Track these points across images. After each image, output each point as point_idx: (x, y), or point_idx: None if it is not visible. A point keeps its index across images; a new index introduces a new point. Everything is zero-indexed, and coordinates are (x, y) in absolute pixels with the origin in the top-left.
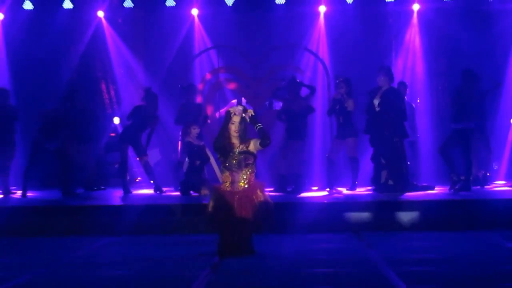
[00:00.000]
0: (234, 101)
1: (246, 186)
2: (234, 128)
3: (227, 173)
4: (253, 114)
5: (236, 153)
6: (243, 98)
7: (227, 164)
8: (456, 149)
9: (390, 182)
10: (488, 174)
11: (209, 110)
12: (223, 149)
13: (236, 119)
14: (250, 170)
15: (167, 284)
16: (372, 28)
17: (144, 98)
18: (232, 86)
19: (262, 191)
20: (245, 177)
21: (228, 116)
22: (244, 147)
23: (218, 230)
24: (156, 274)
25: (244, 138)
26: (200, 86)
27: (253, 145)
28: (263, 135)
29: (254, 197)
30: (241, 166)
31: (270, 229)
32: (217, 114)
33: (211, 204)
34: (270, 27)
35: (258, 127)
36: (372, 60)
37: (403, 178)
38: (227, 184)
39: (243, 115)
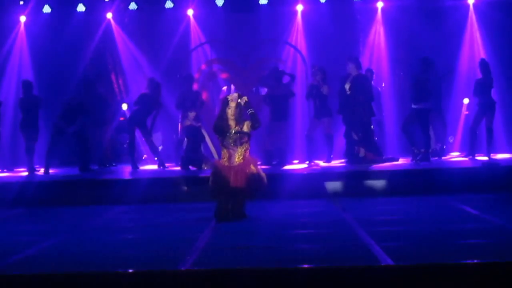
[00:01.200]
0: (225, 88)
1: (241, 161)
2: (230, 112)
3: (225, 150)
4: (247, 100)
5: (233, 133)
6: (232, 86)
7: (224, 143)
8: (416, 126)
9: (361, 154)
10: (444, 146)
11: (204, 96)
12: (221, 130)
13: (232, 104)
14: (245, 148)
15: (173, 244)
16: (343, 24)
17: (148, 86)
18: (223, 75)
19: (256, 165)
20: (240, 153)
21: (225, 102)
22: (239, 128)
23: (217, 198)
24: (162, 236)
25: (240, 120)
26: (196, 75)
27: (246, 126)
28: (254, 119)
29: (248, 170)
30: (237, 144)
31: (259, 197)
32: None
33: (211, 177)
34: (255, 24)
35: (250, 111)
36: (343, 51)
37: (376, 148)
38: (225, 160)
39: (239, 100)
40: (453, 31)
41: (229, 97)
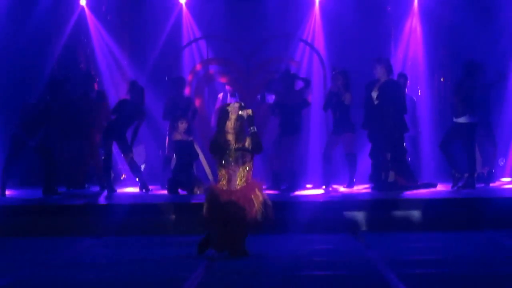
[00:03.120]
0: (221, 95)
1: (243, 184)
2: (230, 124)
3: (223, 171)
4: (251, 114)
5: (233, 150)
6: (228, 93)
7: (223, 162)
8: (458, 144)
9: (391, 179)
10: (493, 171)
11: (198, 103)
12: (219, 147)
13: (232, 116)
14: (247, 168)
15: (157, 286)
16: (370, 17)
17: (129, 91)
18: (222, 78)
19: (261, 190)
20: (242, 175)
21: (224, 113)
22: (241, 144)
23: (212, 230)
24: (144, 276)
25: (241, 135)
26: (189, 77)
27: (248, 143)
28: (254, 142)
29: (252, 196)
30: (238, 164)
31: (265, 230)
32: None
33: (206, 204)
34: (263, 17)
35: (252, 130)
36: (370, 51)
37: (409, 171)
38: (223, 183)
39: (240, 113)
40: (506, 29)
41: (229, 108)
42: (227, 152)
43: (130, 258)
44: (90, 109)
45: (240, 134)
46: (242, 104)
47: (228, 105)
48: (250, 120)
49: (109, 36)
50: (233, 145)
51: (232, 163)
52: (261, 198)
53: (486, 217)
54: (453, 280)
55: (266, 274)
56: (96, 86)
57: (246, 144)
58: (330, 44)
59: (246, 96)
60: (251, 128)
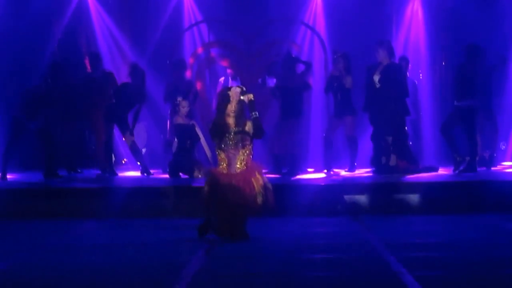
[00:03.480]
0: (222, 79)
1: (243, 168)
2: (231, 107)
3: (223, 155)
4: (252, 99)
5: (232, 133)
6: (230, 77)
7: (223, 145)
8: (459, 128)
9: (392, 162)
10: (494, 154)
11: (199, 86)
12: (220, 129)
13: (233, 100)
14: (247, 151)
15: (157, 270)
16: (372, 0)
17: (130, 74)
18: (224, 62)
19: (261, 174)
20: (242, 158)
21: (225, 97)
22: (241, 128)
23: (212, 214)
24: (144, 259)
25: (241, 118)
26: (190, 60)
27: (248, 127)
28: (256, 127)
29: (252, 180)
30: (238, 147)
31: (265, 213)
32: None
33: (206, 188)
34: (264, 0)
35: (254, 115)
36: (372, 34)
37: (410, 155)
38: (223, 166)
39: (242, 97)
40: (508, 12)
41: (230, 92)
42: (227, 135)
43: (131, 241)
44: (93, 91)
45: (240, 117)
46: (244, 88)
47: (229, 88)
48: (252, 105)
49: (110, 19)
50: (233, 128)
51: (232, 147)
52: (261, 182)
53: (487, 201)
54: (453, 263)
55: (267, 257)
56: (102, 67)
57: (247, 128)
58: (331, 28)
59: (247, 79)
60: (253, 113)
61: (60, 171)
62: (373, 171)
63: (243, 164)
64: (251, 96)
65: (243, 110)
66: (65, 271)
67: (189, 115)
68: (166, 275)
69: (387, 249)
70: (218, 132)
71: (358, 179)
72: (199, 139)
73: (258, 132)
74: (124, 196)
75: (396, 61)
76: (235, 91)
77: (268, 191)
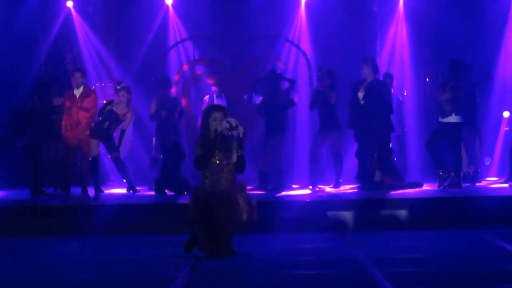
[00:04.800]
0: (207, 97)
1: (228, 185)
2: (215, 124)
3: (207, 172)
4: (242, 136)
5: (217, 151)
6: (214, 94)
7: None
8: (444, 143)
9: (377, 178)
10: (479, 170)
11: (184, 103)
12: (204, 162)
13: (217, 115)
14: (231, 169)
15: (143, 286)
16: (356, 17)
17: (116, 92)
18: (209, 79)
19: (245, 191)
20: (226, 176)
21: (208, 112)
22: (226, 146)
23: (198, 230)
24: (131, 275)
25: (226, 136)
26: (176, 77)
27: (235, 155)
28: (240, 165)
29: (237, 197)
30: (223, 164)
31: (251, 229)
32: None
33: (191, 204)
34: (249, 16)
35: (240, 153)
36: (356, 51)
37: (395, 170)
38: (208, 184)
39: (230, 132)
40: (491, 28)
41: (217, 126)
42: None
43: (117, 258)
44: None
45: (225, 135)
46: (233, 124)
47: (213, 110)
48: (240, 142)
49: (95, 37)
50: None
51: (217, 164)
52: (245, 199)
53: (472, 216)
54: (439, 278)
55: (253, 274)
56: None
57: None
58: (316, 44)
59: (232, 96)
60: (239, 151)
61: (46, 188)
62: (358, 187)
63: (227, 181)
64: (241, 130)
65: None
66: None
67: (175, 131)
68: None
69: (374, 265)
70: (203, 164)
71: (343, 195)
72: (184, 156)
73: (241, 168)
74: (111, 213)
75: (381, 77)
76: (222, 124)
77: (253, 208)
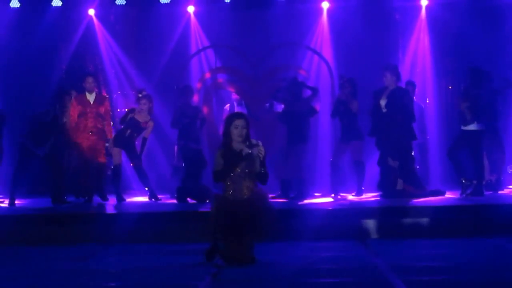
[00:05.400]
0: (227, 106)
1: (250, 194)
2: (237, 132)
3: (229, 181)
4: (263, 154)
5: (238, 150)
6: (234, 102)
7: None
8: (466, 152)
9: (399, 186)
10: (501, 178)
11: (206, 111)
12: (223, 175)
13: (239, 122)
14: (252, 177)
15: None
16: (378, 25)
17: (138, 100)
18: (230, 87)
19: (267, 200)
20: (248, 185)
21: (230, 120)
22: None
23: (221, 239)
24: (152, 285)
25: (247, 141)
26: (198, 85)
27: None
28: (262, 180)
29: (258, 206)
30: (245, 173)
31: (272, 237)
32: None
33: (212, 214)
34: (270, 25)
35: (262, 171)
36: (378, 59)
37: (417, 179)
38: (230, 193)
39: (249, 150)
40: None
41: (238, 147)
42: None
43: (139, 266)
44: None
45: (247, 141)
46: (252, 142)
47: (235, 118)
48: (262, 161)
49: (117, 46)
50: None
51: (238, 173)
52: (267, 208)
53: (495, 224)
54: (461, 287)
55: (274, 282)
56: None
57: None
58: (337, 52)
59: (253, 104)
60: (262, 169)
61: (67, 197)
62: (380, 195)
63: (249, 190)
64: (262, 150)
65: (249, 135)
66: None
67: (197, 140)
68: None
69: (394, 273)
70: (221, 179)
71: (365, 203)
72: (206, 164)
73: (264, 182)
74: (132, 221)
75: (403, 85)
76: (242, 148)
77: (274, 217)
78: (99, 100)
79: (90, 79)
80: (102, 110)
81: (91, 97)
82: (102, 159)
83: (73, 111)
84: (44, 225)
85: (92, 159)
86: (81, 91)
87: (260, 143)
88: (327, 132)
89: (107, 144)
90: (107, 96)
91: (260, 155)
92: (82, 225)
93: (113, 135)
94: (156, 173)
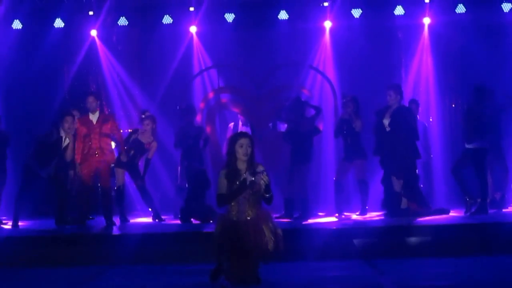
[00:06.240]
0: (231, 124)
1: (254, 214)
2: (242, 151)
3: (233, 202)
4: (267, 182)
5: (241, 179)
6: (240, 121)
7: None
8: (470, 170)
9: (403, 205)
10: (505, 195)
11: (209, 131)
12: (226, 200)
13: (243, 141)
14: (257, 197)
15: None
16: (381, 44)
17: (141, 120)
18: (234, 106)
19: (271, 220)
20: (252, 206)
21: (235, 139)
22: (253, 170)
23: (225, 259)
24: None
25: (252, 162)
26: (201, 105)
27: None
28: (268, 202)
29: (262, 227)
30: (248, 193)
31: (277, 257)
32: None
33: (217, 233)
34: (273, 45)
35: (267, 196)
36: (381, 77)
37: (422, 197)
38: (234, 213)
39: (252, 178)
40: None
41: (244, 174)
42: (237, 182)
43: (144, 287)
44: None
45: (251, 162)
46: (256, 168)
47: (240, 137)
48: (267, 188)
49: (120, 66)
50: (243, 174)
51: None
52: (271, 228)
53: (499, 242)
54: None
55: None
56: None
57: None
58: (340, 71)
59: (257, 124)
60: (267, 193)
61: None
62: (384, 214)
63: (253, 211)
64: (266, 178)
65: (253, 154)
66: None
67: (201, 160)
68: None
69: None
70: (224, 204)
71: (369, 223)
72: (210, 184)
73: (268, 203)
74: (136, 242)
75: (406, 104)
76: (246, 175)
77: (279, 237)
78: (102, 119)
79: (90, 99)
80: (106, 129)
81: (94, 117)
82: (106, 183)
83: (78, 133)
84: (48, 246)
85: (97, 183)
86: (85, 111)
87: (263, 168)
88: (330, 152)
89: (112, 165)
90: (113, 114)
91: (263, 183)
92: (86, 247)
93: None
94: (159, 193)
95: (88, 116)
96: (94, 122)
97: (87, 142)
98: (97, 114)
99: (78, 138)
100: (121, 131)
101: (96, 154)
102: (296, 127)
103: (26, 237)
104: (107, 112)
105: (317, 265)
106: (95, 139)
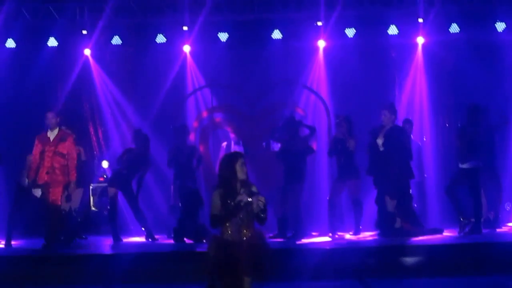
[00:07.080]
0: (224, 144)
1: (247, 235)
2: (243, 170)
3: (228, 222)
4: (263, 203)
5: (237, 200)
6: (232, 140)
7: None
8: (464, 189)
9: (397, 225)
10: (499, 215)
11: (202, 150)
12: (220, 220)
13: (243, 161)
14: (250, 218)
15: None
16: (374, 63)
17: (134, 140)
18: (227, 125)
19: (264, 240)
20: (245, 226)
21: (234, 158)
22: (247, 189)
23: (218, 279)
24: None
25: (246, 183)
26: (194, 124)
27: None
28: (261, 222)
29: (256, 247)
30: (242, 213)
31: (270, 277)
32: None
33: (209, 254)
34: (266, 64)
35: (262, 216)
36: (375, 97)
37: (415, 217)
38: (227, 233)
39: (249, 199)
40: (509, 71)
41: (239, 197)
42: (230, 202)
43: None
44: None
45: (245, 181)
46: (251, 188)
47: (239, 156)
48: (264, 210)
49: (113, 85)
50: (238, 191)
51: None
52: (264, 249)
53: (493, 262)
54: None
55: None
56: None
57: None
58: (334, 90)
59: (250, 143)
60: (262, 215)
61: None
62: (378, 234)
63: (247, 230)
64: (262, 200)
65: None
66: None
67: (194, 179)
68: None
69: None
70: (218, 225)
71: (363, 242)
72: (203, 203)
73: (261, 224)
74: (129, 262)
75: (400, 123)
76: (241, 196)
77: (271, 258)
78: (60, 137)
79: (50, 115)
80: (63, 148)
81: (52, 134)
82: (55, 202)
83: (35, 150)
84: (40, 266)
85: (48, 201)
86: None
87: (256, 189)
88: (324, 171)
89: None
90: (72, 134)
91: (261, 204)
92: (79, 266)
93: (75, 176)
94: (153, 212)
95: (46, 132)
96: (51, 139)
97: (41, 159)
98: (55, 131)
99: (34, 155)
100: (79, 152)
101: (47, 172)
102: (290, 147)
103: (19, 257)
104: (69, 131)
105: (311, 285)
106: (48, 157)
